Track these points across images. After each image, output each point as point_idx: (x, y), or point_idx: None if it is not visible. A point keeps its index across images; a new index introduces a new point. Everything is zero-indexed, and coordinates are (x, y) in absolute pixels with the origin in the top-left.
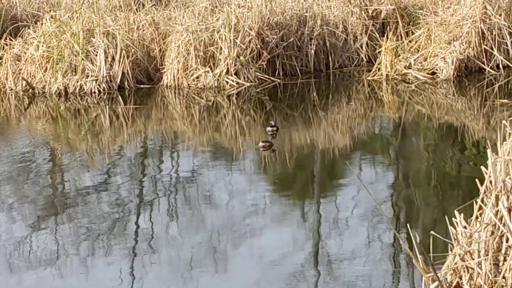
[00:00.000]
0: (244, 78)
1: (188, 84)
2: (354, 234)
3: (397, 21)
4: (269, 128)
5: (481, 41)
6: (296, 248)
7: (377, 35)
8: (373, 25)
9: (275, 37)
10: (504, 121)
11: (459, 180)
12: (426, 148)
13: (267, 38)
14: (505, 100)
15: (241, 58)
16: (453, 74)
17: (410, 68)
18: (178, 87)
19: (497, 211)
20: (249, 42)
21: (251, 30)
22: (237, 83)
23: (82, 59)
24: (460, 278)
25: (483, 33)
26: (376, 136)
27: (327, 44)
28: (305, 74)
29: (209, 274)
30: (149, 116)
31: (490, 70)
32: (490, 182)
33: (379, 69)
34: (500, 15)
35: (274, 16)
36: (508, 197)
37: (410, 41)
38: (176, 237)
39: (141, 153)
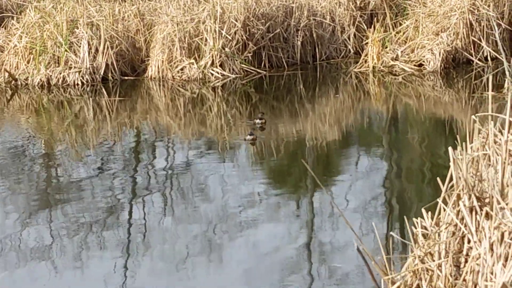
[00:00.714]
0: (229, 70)
1: (173, 76)
2: (339, 226)
3: (385, 12)
4: (257, 121)
5: (469, 32)
6: (289, 239)
7: (365, 26)
8: (361, 16)
9: (261, 28)
10: (473, 116)
11: (442, 176)
12: (413, 141)
13: (253, 29)
14: (493, 93)
15: (227, 49)
16: (440, 66)
17: (397, 60)
18: (163, 79)
19: (458, 211)
20: (235, 33)
21: (236, 21)
22: (222, 75)
23: (66, 50)
24: (421, 280)
25: (471, 24)
26: (364, 129)
27: (314, 35)
28: (292, 66)
29: (202, 266)
30: (134, 108)
31: (478, 62)
32: (451, 180)
33: (365, 61)
34: (489, 6)
35: (260, 7)
36: (470, 196)
37: (397, 33)
38: (167, 229)
39: (126, 146)
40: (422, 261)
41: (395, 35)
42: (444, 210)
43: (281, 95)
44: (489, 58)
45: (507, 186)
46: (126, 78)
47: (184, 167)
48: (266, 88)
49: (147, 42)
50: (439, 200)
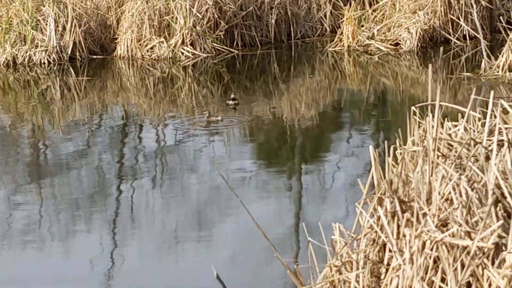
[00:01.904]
0: (201, 48)
1: (142, 55)
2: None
3: None
4: (230, 102)
5: (448, 10)
6: (276, 218)
7: (342, 4)
8: None
9: (233, 6)
10: (413, 107)
11: None
12: (389, 123)
13: (225, 7)
14: (470, 74)
15: (198, 28)
16: (417, 45)
17: (372, 39)
18: (132, 58)
19: (378, 217)
20: (206, 11)
21: None
22: (193, 54)
23: (32, 28)
24: None
25: (449, 2)
26: (339, 111)
27: (289, 13)
28: (265, 45)
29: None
30: (102, 88)
31: (457, 41)
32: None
33: (340, 40)
34: None
35: None
36: (392, 200)
37: (374, 10)
38: (142, 207)
39: (94, 126)
40: (339, 271)
41: (371, 13)
42: (367, 215)
43: (255, 75)
44: (467, 37)
45: (434, 189)
46: (94, 57)
47: (155, 148)
48: (239, 67)
49: (118, 20)
50: (358, 205)
